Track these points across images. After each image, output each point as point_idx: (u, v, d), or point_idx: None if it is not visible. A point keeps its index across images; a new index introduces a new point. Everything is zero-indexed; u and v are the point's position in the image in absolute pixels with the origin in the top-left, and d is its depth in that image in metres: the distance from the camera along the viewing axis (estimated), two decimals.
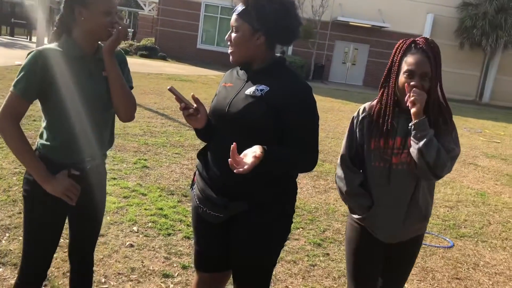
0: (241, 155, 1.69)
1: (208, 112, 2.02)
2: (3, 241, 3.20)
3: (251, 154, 1.68)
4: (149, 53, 23.04)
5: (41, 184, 1.87)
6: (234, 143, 1.66)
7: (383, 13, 24.68)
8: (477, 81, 26.32)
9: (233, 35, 1.89)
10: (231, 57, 1.92)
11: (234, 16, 1.88)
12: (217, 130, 1.96)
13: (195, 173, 2.10)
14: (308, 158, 1.87)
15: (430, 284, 3.51)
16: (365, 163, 2.10)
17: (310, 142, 1.87)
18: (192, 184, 2.09)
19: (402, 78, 1.97)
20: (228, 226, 1.96)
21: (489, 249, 4.39)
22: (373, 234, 2.11)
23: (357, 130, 2.11)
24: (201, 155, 2.05)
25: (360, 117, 2.11)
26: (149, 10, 33.72)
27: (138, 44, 24.69)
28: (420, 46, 1.95)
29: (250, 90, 1.86)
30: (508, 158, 9.24)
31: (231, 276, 2.18)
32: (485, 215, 5.40)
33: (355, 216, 2.15)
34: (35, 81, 1.83)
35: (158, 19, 25.83)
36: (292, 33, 1.90)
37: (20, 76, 1.83)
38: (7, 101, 1.83)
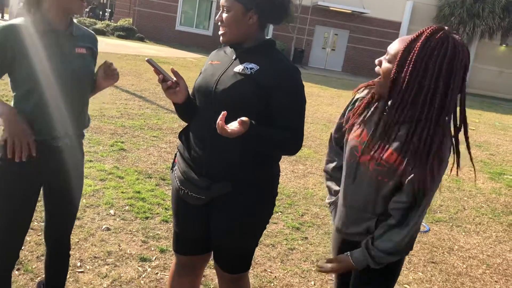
0: (228, 125, 1.65)
1: (191, 90, 1.99)
2: None
3: (236, 122, 1.65)
4: (127, 34, 22.57)
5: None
6: (223, 112, 1.62)
7: None
8: None
9: (224, 15, 1.83)
10: (221, 37, 1.88)
11: None
12: (201, 108, 1.91)
13: (175, 154, 2.05)
14: (293, 140, 1.84)
15: (406, 268, 3.56)
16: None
17: (296, 124, 1.84)
18: (173, 166, 2.04)
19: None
20: (209, 208, 1.93)
21: (463, 233, 4.48)
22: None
23: (348, 110, 1.92)
24: (183, 135, 2.00)
25: (356, 97, 1.91)
26: None
27: (115, 24, 24.17)
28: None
29: (239, 68, 1.82)
30: (482, 145, 9.43)
31: (210, 259, 2.16)
32: (459, 200, 5.51)
33: (326, 199, 2.06)
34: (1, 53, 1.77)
35: (136, 0, 25.28)
36: (284, 10, 1.85)
37: None
38: None
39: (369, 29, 25.54)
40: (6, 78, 1.90)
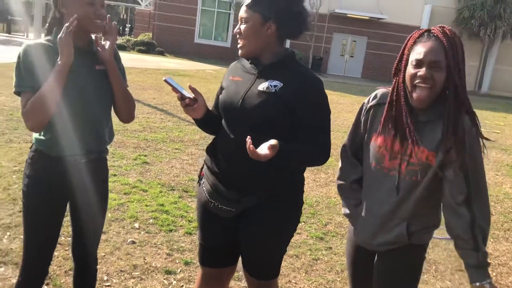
0: (257, 149, 1.67)
1: (213, 103, 2.03)
2: (4, 240, 3.18)
3: (266, 146, 1.67)
4: (147, 48, 22.97)
5: (61, 60, 1.79)
6: (248, 136, 1.65)
7: (380, 4, 24.60)
8: (475, 71, 26.29)
9: (243, 27, 1.85)
10: (240, 50, 1.89)
11: (243, 8, 1.85)
12: (228, 124, 1.93)
13: (202, 167, 2.08)
14: (321, 152, 1.86)
15: (433, 276, 3.50)
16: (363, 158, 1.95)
17: (323, 136, 1.86)
18: (200, 179, 2.06)
19: (409, 69, 1.73)
20: (236, 219, 1.95)
21: (491, 240, 4.38)
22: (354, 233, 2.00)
23: (362, 119, 1.92)
24: (210, 149, 2.03)
25: (368, 105, 1.90)
26: (146, 5, 33.53)
27: (136, 39, 24.59)
28: (435, 34, 1.69)
29: (263, 85, 1.83)
30: (508, 148, 9.23)
31: (235, 270, 2.18)
32: None
33: (342, 211, 2.05)
34: (32, 71, 1.81)
35: (155, 14, 25.71)
36: (303, 22, 1.86)
37: (17, 75, 1.82)
38: (22, 105, 1.82)
39: (387, 34, 25.38)
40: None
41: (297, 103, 1.80)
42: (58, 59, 1.80)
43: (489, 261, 1.73)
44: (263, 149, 1.67)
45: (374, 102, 1.88)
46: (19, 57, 1.82)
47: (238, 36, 1.88)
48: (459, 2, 24.79)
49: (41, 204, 1.95)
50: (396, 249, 1.86)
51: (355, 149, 1.99)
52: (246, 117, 1.83)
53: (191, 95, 1.88)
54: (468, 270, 1.72)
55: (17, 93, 1.84)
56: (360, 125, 1.94)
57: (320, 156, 1.87)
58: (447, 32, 1.69)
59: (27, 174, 1.94)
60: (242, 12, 1.85)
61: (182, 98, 1.86)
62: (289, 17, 1.83)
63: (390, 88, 1.84)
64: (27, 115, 1.80)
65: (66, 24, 1.77)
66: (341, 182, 2.03)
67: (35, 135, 1.94)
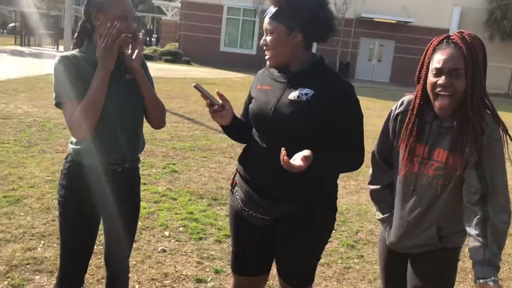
0: (291, 160, 1.66)
1: (241, 111, 2.04)
2: (39, 249, 3.24)
3: (299, 157, 1.66)
4: (173, 58, 23.28)
5: (103, 69, 1.82)
6: (283, 148, 1.65)
7: (408, 8, 24.28)
8: (509, 73, 25.59)
9: (268, 38, 1.83)
10: (268, 62, 1.88)
11: (267, 20, 1.83)
12: (260, 134, 1.92)
13: (234, 176, 2.07)
14: (355, 158, 1.85)
15: (470, 285, 3.38)
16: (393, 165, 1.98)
17: (357, 141, 1.85)
18: (232, 187, 2.06)
19: (429, 78, 1.74)
20: (270, 227, 1.94)
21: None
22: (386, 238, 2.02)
23: (390, 126, 1.95)
24: (242, 158, 2.02)
25: (395, 112, 1.94)
26: (172, 15, 34.07)
27: (162, 49, 24.97)
28: (453, 40, 1.69)
29: (294, 94, 1.80)
30: None
31: (267, 279, 2.16)
32: None
33: (376, 216, 2.09)
34: (71, 79, 1.83)
35: (181, 24, 26.07)
36: (329, 27, 1.84)
37: (56, 86, 1.84)
38: (67, 114, 1.83)
39: (415, 38, 24.99)
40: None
41: (330, 110, 1.77)
42: (98, 68, 1.82)
43: (498, 264, 1.64)
44: (297, 160, 1.66)
45: (401, 109, 1.91)
46: (56, 69, 1.84)
47: (265, 47, 1.86)
48: (490, 2, 24.22)
49: (77, 214, 1.97)
50: (429, 251, 1.87)
51: (385, 155, 2.02)
52: (278, 127, 1.82)
53: (219, 102, 1.89)
54: (474, 266, 1.66)
55: (58, 104, 1.85)
56: (388, 132, 1.97)
57: (354, 162, 1.86)
58: (466, 37, 1.68)
59: (63, 184, 1.97)
60: (266, 24, 1.83)
61: (211, 104, 1.86)
62: (315, 24, 1.81)
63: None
64: (76, 124, 1.81)
65: (113, 34, 1.80)
66: (372, 187, 2.07)
67: (71, 146, 1.97)
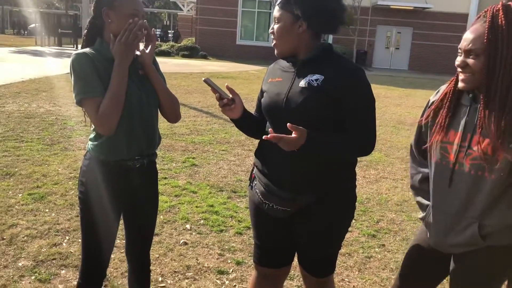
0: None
1: (255, 103, 2.05)
2: (64, 244, 3.32)
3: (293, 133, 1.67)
4: (190, 52, 23.37)
5: (122, 64, 1.86)
6: (270, 129, 1.66)
7: None
8: None
9: (276, 26, 1.86)
10: (275, 50, 1.90)
11: (276, 8, 1.86)
12: (274, 126, 1.91)
13: (252, 169, 2.08)
14: (364, 141, 1.81)
15: None
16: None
17: (368, 124, 1.82)
18: (251, 181, 2.07)
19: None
20: (291, 218, 1.96)
21: None
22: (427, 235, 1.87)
23: (425, 115, 1.85)
24: (258, 152, 2.03)
25: (431, 102, 1.83)
26: (188, 10, 34.16)
27: (179, 44, 25.08)
28: (485, 14, 1.57)
29: (304, 81, 1.81)
30: None
31: (289, 270, 2.17)
32: None
33: (418, 215, 1.95)
34: (89, 76, 1.84)
35: (197, 19, 26.13)
36: (335, 18, 1.83)
37: (77, 83, 1.85)
38: (91, 111, 1.85)
39: (433, 24, 24.58)
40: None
41: (341, 94, 1.76)
42: (116, 63, 1.85)
43: None
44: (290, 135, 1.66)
45: (436, 97, 1.81)
46: (73, 66, 1.85)
47: (272, 36, 1.89)
48: None
49: (97, 210, 2.01)
50: (473, 252, 1.71)
51: (422, 146, 1.90)
52: (292, 116, 1.81)
53: (229, 96, 1.91)
54: None
55: (79, 100, 1.86)
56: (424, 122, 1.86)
57: (364, 146, 1.81)
58: (496, 11, 1.56)
59: (83, 181, 2.01)
60: (275, 12, 1.86)
61: (220, 98, 1.89)
62: (320, 15, 1.80)
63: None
64: (103, 119, 1.83)
65: (134, 30, 1.83)
66: (412, 182, 1.96)
67: (91, 142, 2.00)
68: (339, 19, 1.84)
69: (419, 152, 1.94)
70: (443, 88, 1.81)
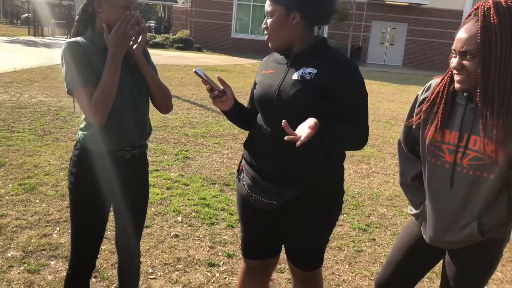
0: (295, 131, 1.63)
1: (251, 100, 2.05)
2: (54, 235, 3.30)
3: (305, 126, 1.62)
4: (185, 45, 23.27)
5: (117, 54, 1.85)
6: (284, 120, 1.61)
7: None
8: None
9: (269, 21, 1.84)
10: (270, 43, 1.89)
11: (267, 2, 1.84)
12: (265, 118, 1.91)
13: (240, 162, 2.07)
14: (360, 135, 1.82)
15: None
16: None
17: (362, 119, 1.82)
18: (239, 173, 2.06)
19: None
20: (278, 211, 1.95)
21: None
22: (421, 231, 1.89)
23: (415, 112, 1.81)
24: (248, 143, 2.02)
25: (421, 97, 1.78)
26: (183, 2, 33.95)
27: (174, 37, 24.95)
28: (477, 13, 1.54)
29: (297, 74, 1.80)
30: None
31: (277, 262, 2.18)
32: None
33: (409, 211, 1.94)
34: (81, 65, 1.83)
35: (192, 11, 25.98)
36: (328, 7, 1.82)
37: (68, 72, 1.83)
38: (82, 100, 1.83)
39: (428, 20, 24.62)
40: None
41: (334, 88, 1.76)
42: (110, 53, 1.83)
43: None
44: (304, 129, 1.61)
45: (427, 93, 1.77)
46: (64, 55, 1.84)
47: (266, 31, 1.87)
48: None
49: (87, 201, 2.00)
50: (469, 246, 1.73)
51: (412, 144, 1.88)
52: (283, 108, 1.81)
53: (220, 87, 1.90)
54: None
55: (70, 90, 1.85)
56: (413, 118, 1.83)
57: (359, 138, 1.82)
58: (491, 8, 1.51)
59: (73, 171, 1.99)
60: (267, 6, 1.84)
61: (211, 89, 1.88)
62: (314, 4, 1.79)
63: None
64: (96, 108, 1.82)
65: (132, 21, 1.83)
66: (402, 180, 1.94)
67: (81, 132, 1.99)
68: (331, 8, 1.83)
69: (409, 149, 1.90)
70: (434, 83, 1.77)
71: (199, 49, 23.30)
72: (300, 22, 1.81)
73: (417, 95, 1.84)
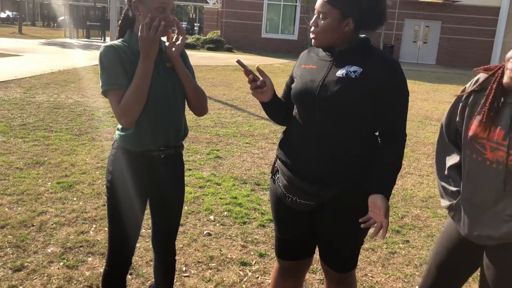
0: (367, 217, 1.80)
1: (286, 95, 2.06)
2: (91, 232, 3.39)
3: (377, 210, 1.79)
4: (216, 45, 23.45)
5: (147, 58, 1.87)
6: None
7: None
8: None
9: (321, 22, 1.80)
10: (314, 41, 1.86)
11: (320, 2, 1.79)
12: (303, 114, 1.89)
13: (274, 161, 2.07)
14: (399, 139, 1.82)
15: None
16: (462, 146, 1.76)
17: (401, 122, 1.82)
18: (273, 173, 2.06)
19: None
20: (313, 212, 1.95)
21: None
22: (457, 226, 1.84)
23: (459, 105, 1.77)
24: (283, 142, 2.01)
25: (468, 91, 1.74)
26: (214, 3, 34.19)
27: (205, 37, 25.17)
28: None
29: (341, 72, 1.78)
30: None
31: (311, 263, 2.18)
32: None
33: (441, 204, 1.89)
34: (115, 68, 1.88)
35: (222, 12, 26.15)
36: (382, 18, 1.81)
37: (103, 74, 1.89)
38: (113, 102, 1.88)
39: (463, 17, 24.00)
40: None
41: (381, 87, 1.74)
42: (141, 57, 1.87)
43: None
44: (377, 216, 1.79)
45: (475, 87, 1.72)
46: (101, 58, 1.90)
47: (313, 28, 1.84)
48: None
49: (124, 199, 2.04)
50: (506, 244, 1.67)
51: (453, 135, 1.85)
52: (326, 105, 1.79)
53: (260, 78, 1.90)
54: None
55: (105, 92, 1.91)
56: (457, 111, 1.79)
57: (401, 151, 1.85)
58: None
59: (110, 170, 2.05)
60: (319, 6, 1.80)
61: (253, 80, 1.88)
62: (371, 15, 1.77)
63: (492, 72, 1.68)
64: (124, 111, 1.87)
65: (154, 24, 1.84)
66: (436, 170, 1.91)
67: (118, 132, 2.04)
68: (384, 18, 1.82)
69: (450, 140, 1.87)
70: (483, 77, 1.71)
71: (229, 50, 23.43)
72: (352, 29, 1.79)
73: (465, 87, 1.80)
